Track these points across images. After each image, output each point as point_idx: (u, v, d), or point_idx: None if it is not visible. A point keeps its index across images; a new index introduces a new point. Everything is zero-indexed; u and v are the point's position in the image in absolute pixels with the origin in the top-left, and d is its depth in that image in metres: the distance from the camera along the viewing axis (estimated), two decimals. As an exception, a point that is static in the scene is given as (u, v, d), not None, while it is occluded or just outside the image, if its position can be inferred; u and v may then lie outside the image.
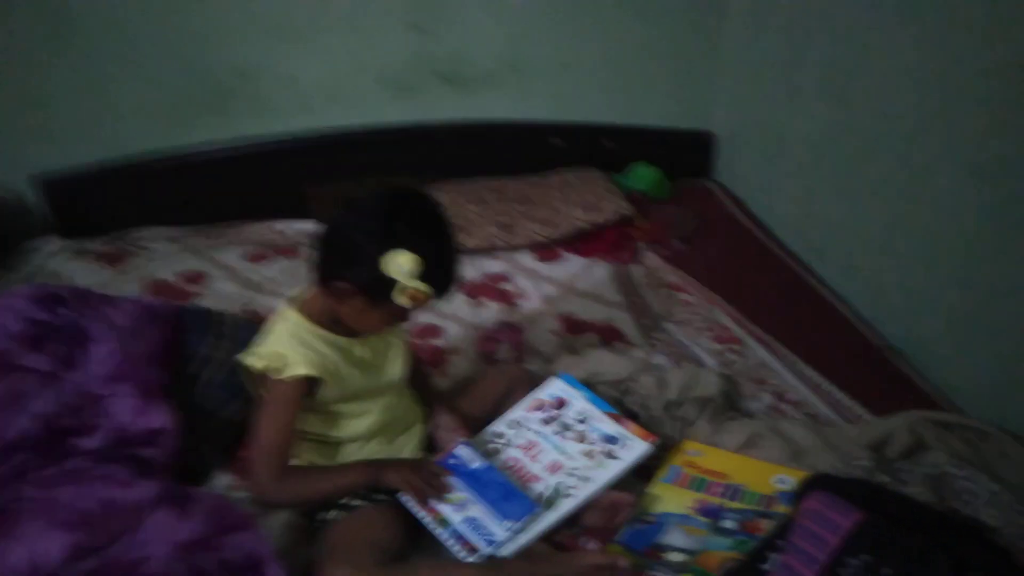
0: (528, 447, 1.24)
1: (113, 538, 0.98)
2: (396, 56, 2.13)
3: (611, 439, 1.23)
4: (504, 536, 1.08)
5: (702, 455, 1.27)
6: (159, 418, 1.20)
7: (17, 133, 2.02)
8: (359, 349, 1.15)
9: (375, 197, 1.06)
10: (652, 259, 1.96)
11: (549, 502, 1.15)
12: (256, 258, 1.98)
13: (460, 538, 1.09)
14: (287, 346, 1.08)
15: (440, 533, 1.10)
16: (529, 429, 1.27)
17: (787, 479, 1.18)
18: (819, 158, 1.86)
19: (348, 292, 1.06)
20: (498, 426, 1.28)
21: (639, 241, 2.02)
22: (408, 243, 1.01)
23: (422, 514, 1.11)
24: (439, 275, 1.04)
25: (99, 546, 0.98)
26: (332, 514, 1.12)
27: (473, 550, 1.08)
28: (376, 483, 1.12)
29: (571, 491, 1.16)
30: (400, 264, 1.00)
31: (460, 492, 1.13)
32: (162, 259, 1.94)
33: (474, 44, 2.15)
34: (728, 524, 1.13)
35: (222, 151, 2.14)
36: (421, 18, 2.10)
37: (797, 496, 1.08)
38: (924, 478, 1.08)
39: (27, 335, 1.20)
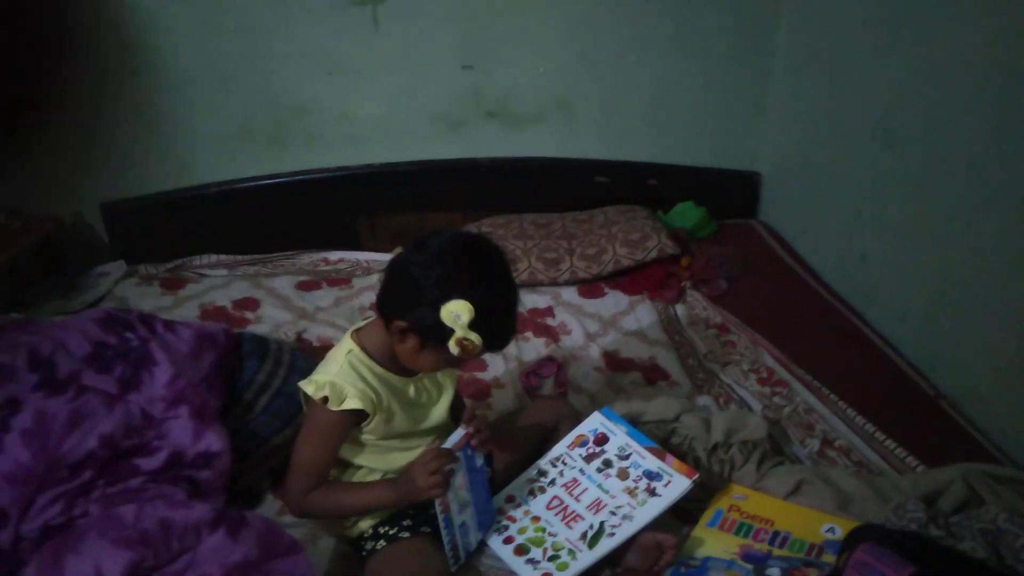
0: (570, 485, 1.25)
1: (171, 558, 1.02)
2: (446, 93, 2.20)
3: (653, 475, 1.22)
4: (472, 548, 1.15)
5: (747, 500, 1.25)
6: (215, 442, 1.24)
7: (85, 163, 2.13)
8: (412, 390, 1.17)
9: (443, 241, 1.08)
10: (697, 298, 1.96)
11: (592, 541, 1.15)
12: (307, 287, 2.04)
13: (453, 543, 1.12)
14: (345, 378, 1.10)
15: (445, 535, 1.11)
16: (571, 467, 1.27)
17: (837, 528, 1.16)
18: (867, 199, 1.85)
19: (405, 331, 1.08)
20: (542, 463, 1.29)
21: (684, 280, 2.02)
22: (468, 294, 1.02)
23: (442, 515, 1.11)
24: (493, 329, 1.05)
25: (157, 565, 1.01)
26: (378, 544, 1.13)
27: (457, 559, 1.12)
28: (402, 503, 1.12)
29: (614, 529, 1.16)
30: (456, 313, 1.01)
31: (466, 492, 1.13)
32: (218, 286, 2.02)
33: (523, 82, 2.21)
34: (774, 572, 1.11)
35: (277, 183, 2.22)
36: (472, 56, 2.16)
37: (844, 546, 1.06)
38: (979, 534, 1.05)
39: (95, 357, 1.26)
